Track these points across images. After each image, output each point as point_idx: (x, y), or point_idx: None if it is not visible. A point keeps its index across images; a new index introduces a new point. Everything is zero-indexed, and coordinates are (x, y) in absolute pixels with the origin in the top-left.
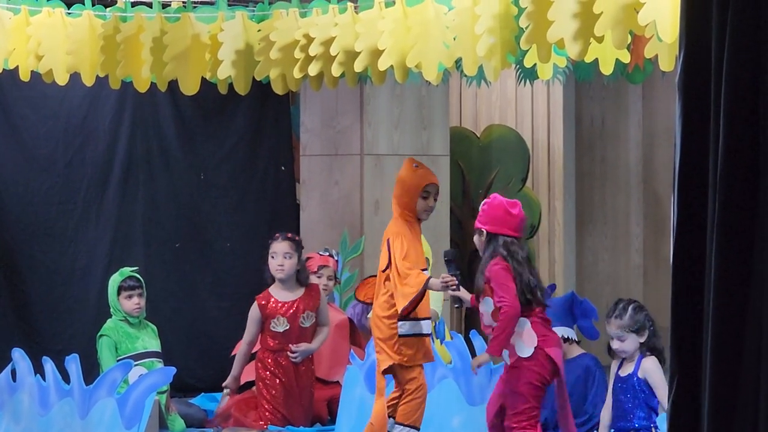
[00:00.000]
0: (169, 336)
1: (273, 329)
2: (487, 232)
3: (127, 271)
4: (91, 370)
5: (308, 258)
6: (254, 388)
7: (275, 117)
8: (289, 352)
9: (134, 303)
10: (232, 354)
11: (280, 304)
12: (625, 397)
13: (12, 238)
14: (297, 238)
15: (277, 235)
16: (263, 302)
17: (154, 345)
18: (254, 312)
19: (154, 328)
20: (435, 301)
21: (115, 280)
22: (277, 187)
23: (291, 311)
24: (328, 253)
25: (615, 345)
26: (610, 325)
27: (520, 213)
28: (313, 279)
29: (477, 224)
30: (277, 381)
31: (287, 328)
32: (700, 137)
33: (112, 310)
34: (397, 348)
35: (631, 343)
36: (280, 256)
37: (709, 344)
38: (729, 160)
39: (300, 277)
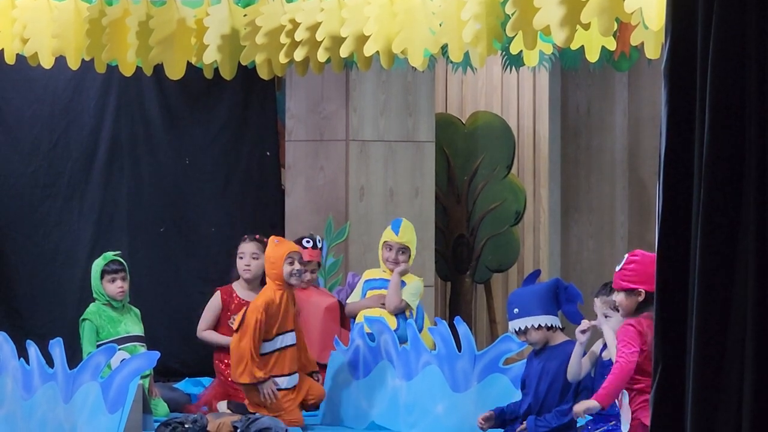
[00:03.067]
0: (152, 320)
1: (231, 324)
2: (647, 291)
3: (110, 255)
4: (74, 355)
5: None
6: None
7: (260, 102)
8: None
9: (117, 286)
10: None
11: (243, 302)
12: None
13: None
14: (265, 240)
15: (245, 236)
16: (225, 296)
17: (137, 329)
18: (215, 302)
19: (138, 312)
20: (411, 295)
21: (98, 264)
22: (262, 173)
23: None
24: (311, 245)
25: (599, 323)
26: (597, 302)
27: None
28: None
29: (628, 285)
30: None
31: None
32: (685, 125)
33: (95, 294)
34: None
35: (616, 322)
36: (247, 257)
37: (694, 332)
38: (714, 147)
39: (264, 279)
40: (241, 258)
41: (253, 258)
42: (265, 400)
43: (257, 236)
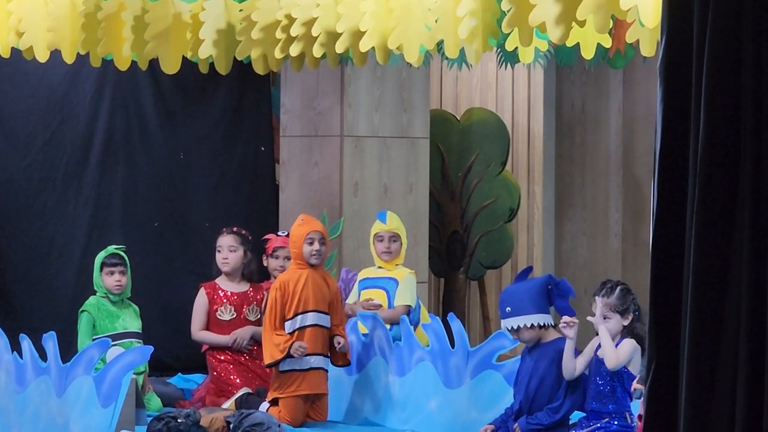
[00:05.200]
0: (146, 315)
1: (219, 317)
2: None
3: (111, 248)
4: (68, 348)
5: (267, 239)
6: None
7: (255, 97)
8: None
9: (115, 280)
10: (203, 350)
11: (229, 293)
12: (601, 380)
13: None
14: (243, 231)
15: (223, 229)
16: (209, 290)
17: (135, 325)
18: (201, 298)
19: (137, 308)
20: (410, 294)
21: (99, 256)
22: (257, 168)
23: (237, 300)
24: (285, 234)
25: (596, 321)
26: (597, 303)
27: None
28: (270, 260)
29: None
30: (231, 366)
31: (234, 316)
32: (680, 123)
33: (95, 286)
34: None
35: (614, 323)
36: (225, 250)
37: (687, 329)
38: (709, 145)
39: (245, 271)
40: (219, 251)
41: (231, 251)
42: (290, 378)
43: (234, 228)
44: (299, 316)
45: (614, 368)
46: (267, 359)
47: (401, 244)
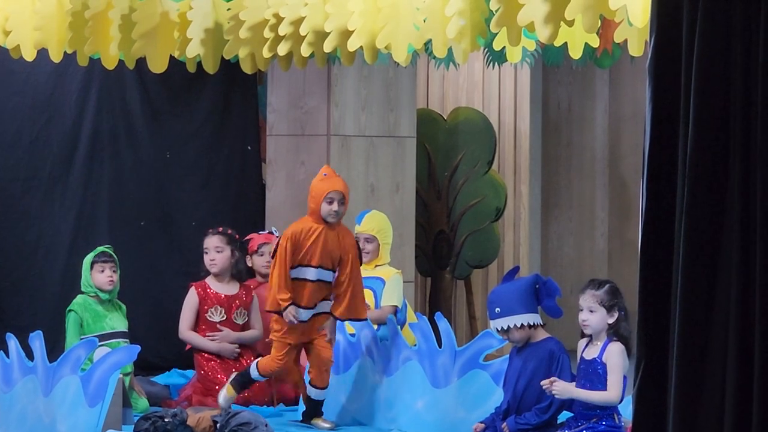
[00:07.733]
0: (133, 315)
1: (209, 318)
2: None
3: (100, 249)
4: (55, 347)
5: (249, 240)
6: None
7: (242, 96)
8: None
9: (107, 276)
10: (187, 349)
11: (221, 296)
12: (588, 381)
13: None
14: (229, 231)
15: (208, 230)
16: (200, 290)
17: (122, 325)
18: (192, 298)
19: (124, 308)
20: (397, 294)
21: (89, 256)
22: (244, 167)
23: (227, 302)
24: (268, 231)
25: (583, 316)
26: (584, 295)
27: None
28: (255, 258)
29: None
30: (218, 366)
31: (224, 318)
32: (669, 122)
33: (83, 287)
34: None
35: (599, 318)
36: (212, 251)
37: (677, 328)
38: (698, 145)
39: (234, 272)
40: (206, 253)
41: (217, 251)
42: (286, 326)
43: (220, 229)
44: (301, 268)
45: (619, 394)
46: (269, 305)
47: (378, 245)
